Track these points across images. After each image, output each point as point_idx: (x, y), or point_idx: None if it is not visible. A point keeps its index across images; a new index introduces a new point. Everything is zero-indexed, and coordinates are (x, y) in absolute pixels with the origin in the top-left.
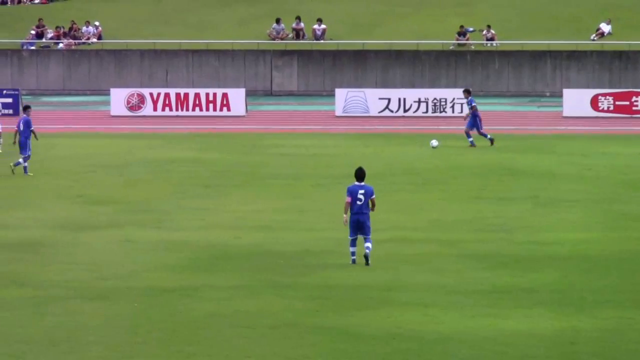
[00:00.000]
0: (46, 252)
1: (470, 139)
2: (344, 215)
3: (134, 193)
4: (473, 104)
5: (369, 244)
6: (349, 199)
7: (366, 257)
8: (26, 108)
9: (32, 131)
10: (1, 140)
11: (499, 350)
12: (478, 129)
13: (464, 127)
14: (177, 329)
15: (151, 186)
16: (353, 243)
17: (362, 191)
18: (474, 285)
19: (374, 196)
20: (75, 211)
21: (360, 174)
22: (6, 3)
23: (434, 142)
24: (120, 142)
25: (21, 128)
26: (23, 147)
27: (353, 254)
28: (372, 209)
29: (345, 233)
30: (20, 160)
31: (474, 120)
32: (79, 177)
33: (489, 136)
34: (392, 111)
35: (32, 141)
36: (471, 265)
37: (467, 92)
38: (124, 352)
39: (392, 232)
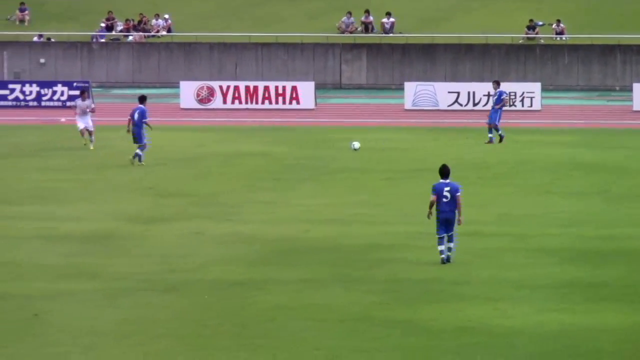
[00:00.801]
0: (117, 244)
1: (491, 135)
2: (429, 210)
3: (204, 186)
4: (503, 96)
5: (452, 244)
6: (434, 197)
7: (448, 258)
8: (142, 99)
9: (145, 122)
10: (93, 137)
11: (568, 344)
12: (495, 122)
13: (487, 121)
14: (245, 322)
15: (221, 179)
16: (441, 241)
17: (447, 188)
18: (543, 280)
19: (459, 194)
20: (145, 203)
21: (445, 171)
22: None
23: (355, 144)
24: (190, 135)
25: (135, 118)
26: (137, 137)
27: (442, 252)
28: (458, 209)
29: (415, 227)
30: (138, 151)
31: (496, 112)
32: (149, 170)
33: (501, 132)
34: (461, 105)
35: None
36: (540, 259)
37: (496, 84)
38: (193, 344)
39: (461, 226)
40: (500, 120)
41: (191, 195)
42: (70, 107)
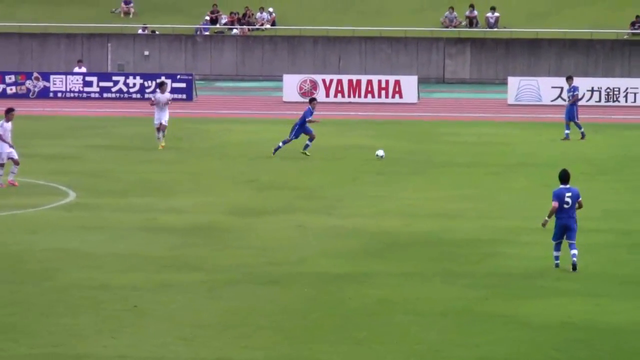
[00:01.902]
0: (219, 236)
1: (568, 131)
2: (546, 218)
3: (307, 179)
4: (576, 92)
5: (575, 251)
6: (555, 204)
7: (574, 265)
8: (312, 100)
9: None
10: (164, 133)
11: None
12: (574, 119)
13: (563, 116)
14: (347, 314)
15: (324, 173)
16: (557, 247)
17: (569, 194)
18: None
19: (580, 198)
20: (248, 196)
21: (565, 176)
22: None
23: (380, 152)
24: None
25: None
26: (295, 130)
27: (557, 257)
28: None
29: (519, 222)
30: (308, 143)
31: (572, 108)
32: (252, 163)
33: (582, 129)
34: (564, 100)
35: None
36: None
37: (570, 79)
38: (295, 337)
39: None
40: (579, 116)
41: (294, 188)
42: (147, 98)
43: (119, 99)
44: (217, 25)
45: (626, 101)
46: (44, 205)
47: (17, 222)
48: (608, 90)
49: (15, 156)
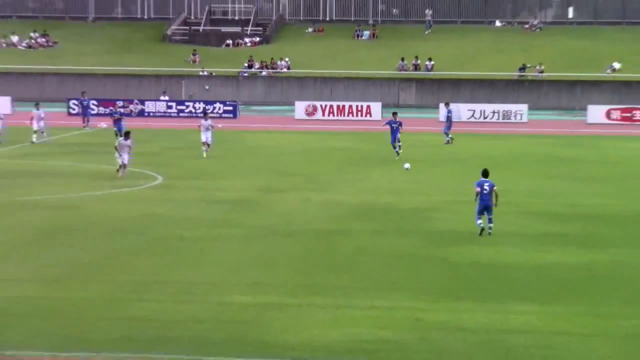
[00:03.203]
0: (251, 206)
1: (448, 138)
2: (475, 198)
3: (309, 169)
4: (450, 114)
5: (491, 225)
6: (477, 189)
7: (489, 232)
8: (394, 114)
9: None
10: (208, 148)
11: (543, 274)
12: (447, 130)
13: (445, 130)
14: (335, 256)
15: (320, 164)
16: (479, 218)
17: (486, 184)
18: (528, 232)
19: (495, 188)
20: (270, 180)
21: (485, 172)
22: (229, 45)
23: (407, 165)
24: (300, 136)
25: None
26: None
27: (480, 224)
28: (495, 200)
29: (449, 197)
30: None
31: (448, 124)
32: (273, 158)
33: (449, 137)
34: (476, 119)
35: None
36: (525, 219)
37: (447, 104)
38: (300, 270)
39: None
40: (449, 130)
41: (301, 175)
42: (200, 124)
43: (189, 117)
44: (252, 69)
45: (514, 119)
46: (141, 186)
47: (123, 197)
48: (504, 112)
49: (126, 162)
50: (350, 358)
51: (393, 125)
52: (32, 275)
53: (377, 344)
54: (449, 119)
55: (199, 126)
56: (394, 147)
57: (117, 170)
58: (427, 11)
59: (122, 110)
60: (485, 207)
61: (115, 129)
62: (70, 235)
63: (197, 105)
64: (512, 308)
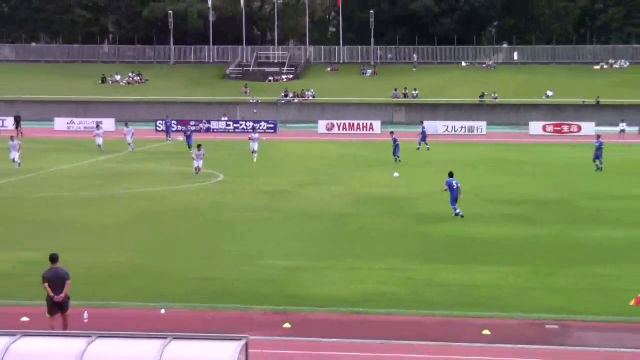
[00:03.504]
0: (287, 196)
1: (427, 147)
2: (446, 189)
3: (329, 169)
4: (424, 130)
5: (459, 210)
6: (446, 188)
7: (462, 215)
8: (392, 133)
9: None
10: (256, 155)
11: (499, 244)
12: (424, 140)
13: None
14: (346, 232)
15: (337, 166)
16: (454, 207)
17: (455, 182)
18: (488, 213)
19: (459, 185)
20: (300, 177)
21: (451, 174)
22: (271, 81)
23: (396, 174)
24: (322, 146)
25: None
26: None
27: (455, 209)
28: (460, 194)
29: (429, 189)
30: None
31: (424, 137)
32: (302, 161)
33: (420, 146)
34: (454, 133)
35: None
36: (492, 206)
37: (422, 123)
38: (324, 243)
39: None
40: (425, 140)
41: (324, 173)
42: (250, 138)
43: (242, 132)
44: (288, 98)
45: (477, 132)
46: (208, 182)
47: (196, 190)
48: (469, 127)
49: (200, 166)
50: (360, 306)
51: (452, 186)
52: (129, 247)
53: (379, 296)
54: (423, 133)
55: (250, 138)
56: (396, 159)
57: (195, 172)
58: (414, 55)
59: (192, 128)
60: (455, 198)
61: (186, 142)
62: (157, 218)
63: (248, 124)
64: (477, 269)
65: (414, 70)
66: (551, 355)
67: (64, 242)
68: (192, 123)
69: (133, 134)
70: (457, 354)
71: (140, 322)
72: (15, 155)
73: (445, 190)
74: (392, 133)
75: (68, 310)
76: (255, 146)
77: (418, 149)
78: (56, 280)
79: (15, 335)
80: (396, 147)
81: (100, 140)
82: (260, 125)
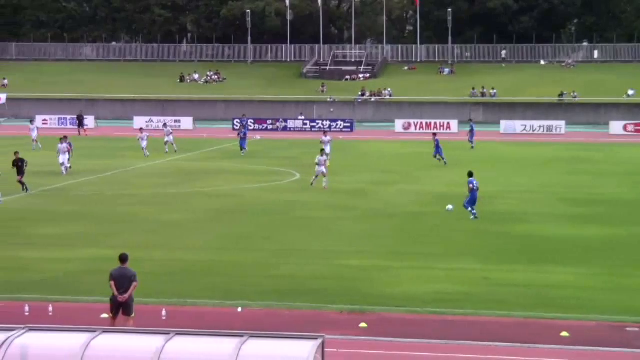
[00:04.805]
0: (362, 194)
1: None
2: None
3: (404, 168)
4: (473, 128)
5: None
6: (471, 186)
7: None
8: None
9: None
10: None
11: (574, 244)
12: (437, 154)
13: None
14: (418, 228)
15: (412, 165)
16: (472, 208)
17: (477, 182)
18: (562, 213)
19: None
20: (376, 176)
21: (470, 174)
22: (348, 79)
23: (449, 207)
24: (398, 145)
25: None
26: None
27: (472, 211)
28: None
29: (504, 187)
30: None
31: (437, 150)
32: (378, 160)
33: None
34: (534, 132)
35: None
36: (563, 205)
37: (434, 135)
38: (398, 242)
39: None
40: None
41: (397, 172)
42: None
43: (319, 131)
44: (364, 97)
45: (555, 132)
46: (284, 180)
47: (271, 188)
48: (547, 126)
49: (325, 170)
50: (434, 306)
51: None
52: (205, 244)
53: (454, 296)
54: (472, 131)
55: (321, 141)
56: (442, 159)
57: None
58: (502, 52)
59: (244, 129)
60: (475, 199)
61: (239, 144)
62: (233, 215)
63: (325, 122)
64: (554, 269)
65: (503, 66)
66: (632, 358)
67: (141, 239)
68: (268, 121)
69: (171, 133)
70: (535, 356)
71: (216, 319)
72: (65, 158)
73: (471, 191)
74: (434, 135)
75: (132, 314)
76: (327, 149)
77: (472, 147)
78: (122, 279)
79: (95, 331)
80: (437, 147)
81: (144, 144)
82: (337, 124)
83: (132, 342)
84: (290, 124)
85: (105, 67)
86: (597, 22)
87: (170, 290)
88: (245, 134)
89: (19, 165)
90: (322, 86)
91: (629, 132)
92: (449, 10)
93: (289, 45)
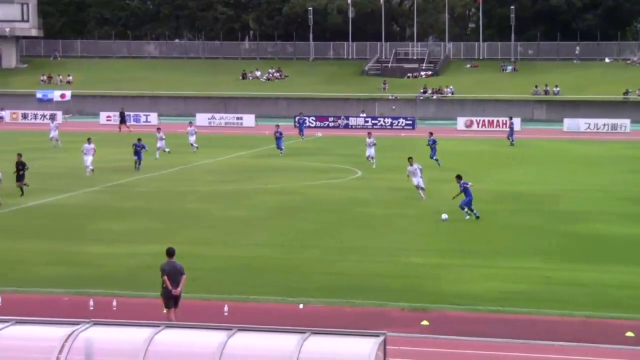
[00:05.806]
0: (427, 192)
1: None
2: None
3: (465, 165)
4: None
5: (475, 211)
6: (467, 186)
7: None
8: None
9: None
10: (374, 160)
11: (637, 243)
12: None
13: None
14: (484, 230)
15: (473, 163)
16: (472, 209)
17: (470, 184)
18: (624, 211)
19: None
20: (437, 173)
21: (460, 175)
22: (409, 77)
23: (444, 216)
24: (460, 142)
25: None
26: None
27: (472, 211)
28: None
29: (567, 185)
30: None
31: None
32: (442, 158)
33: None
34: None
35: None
36: (622, 203)
37: (430, 134)
38: (460, 241)
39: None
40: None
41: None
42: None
43: (380, 128)
44: (426, 94)
45: (620, 130)
46: (345, 178)
47: (332, 185)
48: (612, 124)
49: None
50: (496, 304)
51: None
52: (265, 241)
53: (516, 294)
54: (511, 128)
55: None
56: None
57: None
58: (576, 48)
59: (280, 129)
60: (470, 200)
61: (276, 144)
62: (294, 212)
63: (386, 120)
64: (618, 269)
65: (575, 62)
66: None
67: (203, 235)
68: (330, 118)
69: (196, 132)
70: (599, 356)
71: (277, 315)
72: (88, 160)
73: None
74: (431, 134)
75: (178, 305)
76: (371, 151)
77: (512, 144)
78: (173, 273)
79: (158, 326)
80: (433, 149)
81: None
82: (399, 122)
83: (194, 337)
84: (352, 121)
85: (168, 65)
86: None
87: (233, 286)
88: (280, 134)
89: (18, 169)
90: (384, 84)
91: None
92: (512, 7)
93: (350, 42)
